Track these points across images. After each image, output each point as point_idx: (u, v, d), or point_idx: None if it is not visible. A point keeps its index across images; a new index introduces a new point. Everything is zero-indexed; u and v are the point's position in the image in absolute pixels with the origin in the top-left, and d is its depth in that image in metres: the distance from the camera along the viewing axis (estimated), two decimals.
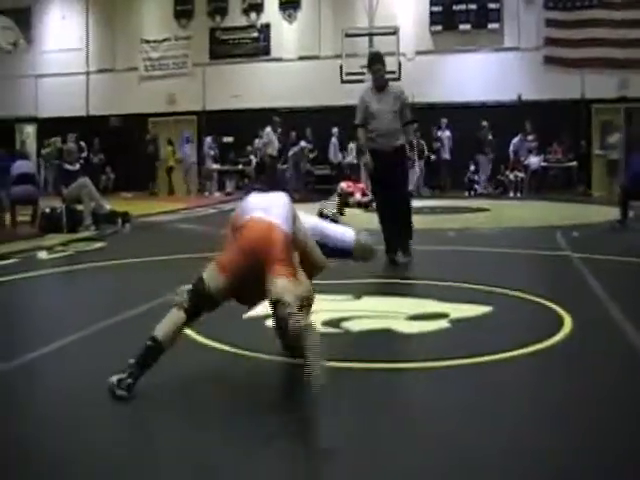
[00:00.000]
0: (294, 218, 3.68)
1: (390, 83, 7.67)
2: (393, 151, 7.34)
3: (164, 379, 3.41)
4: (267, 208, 3.57)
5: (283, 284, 3.18)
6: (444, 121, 19.50)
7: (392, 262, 7.21)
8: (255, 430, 2.88)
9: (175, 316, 3.35)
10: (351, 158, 19.55)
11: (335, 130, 19.77)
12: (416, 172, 19.27)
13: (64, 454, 2.75)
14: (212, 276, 3.35)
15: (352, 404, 3.23)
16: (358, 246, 4.59)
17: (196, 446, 2.79)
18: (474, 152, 19.37)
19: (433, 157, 19.63)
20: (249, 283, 3.38)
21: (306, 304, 3.29)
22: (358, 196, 15.21)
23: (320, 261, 3.98)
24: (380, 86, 7.39)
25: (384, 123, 7.30)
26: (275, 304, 3.15)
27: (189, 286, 3.37)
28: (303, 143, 20.13)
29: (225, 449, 2.78)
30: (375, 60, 7.49)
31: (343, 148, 20.19)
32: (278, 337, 3.58)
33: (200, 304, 3.36)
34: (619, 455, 2.67)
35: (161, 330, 3.31)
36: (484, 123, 18.98)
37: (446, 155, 19.66)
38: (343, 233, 4.60)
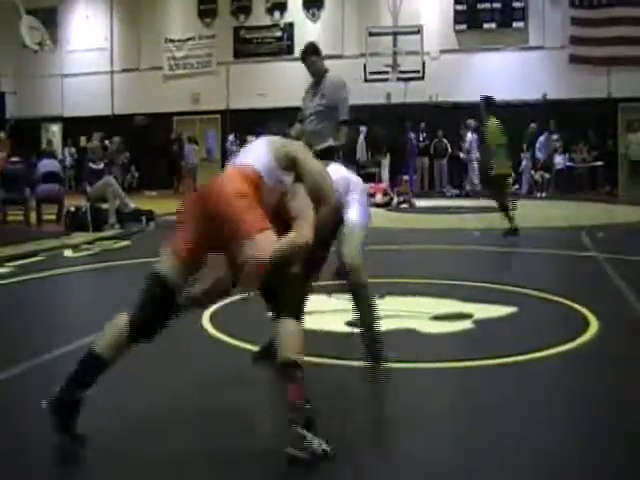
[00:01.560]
0: (281, 154, 3.04)
1: (329, 74, 5.90)
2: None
3: (191, 380, 3.41)
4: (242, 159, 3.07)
5: (252, 245, 2.72)
6: (471, 122, 19.27)
7: None
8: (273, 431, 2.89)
9: (118, 324, 3.03)
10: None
11: (363, 129, 18.62)
12: (474, 169, 19.06)
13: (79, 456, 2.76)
14: (167, 266, 2.90)
15: (374, 403, 3.22)
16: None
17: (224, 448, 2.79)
18: (520, 152, 19.11)
19: (462, 156, 19.44)
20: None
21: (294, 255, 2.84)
22: (379, 197, 15.54)
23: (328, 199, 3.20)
24: (316, 79, 5.88)
25: (307, 124, 5.83)
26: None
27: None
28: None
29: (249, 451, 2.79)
30: (305, 54, 5.89)
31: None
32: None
33: (160, 297, 2.94)
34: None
35: (101, 343, 2.98)
36: (532, 125, 18.80)
37: (474, 155, 19.37)
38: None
